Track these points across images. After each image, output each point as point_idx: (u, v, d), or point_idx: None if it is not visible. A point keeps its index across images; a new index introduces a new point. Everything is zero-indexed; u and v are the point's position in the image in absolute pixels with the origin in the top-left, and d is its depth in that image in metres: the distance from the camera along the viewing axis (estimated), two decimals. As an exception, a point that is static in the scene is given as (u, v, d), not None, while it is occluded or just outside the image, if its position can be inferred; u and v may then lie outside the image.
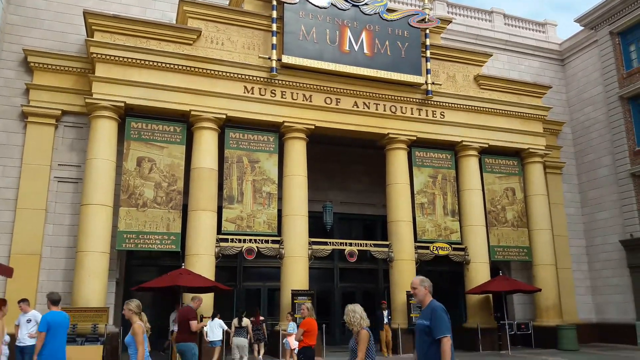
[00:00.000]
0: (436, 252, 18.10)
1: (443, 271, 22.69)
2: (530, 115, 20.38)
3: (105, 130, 15.26)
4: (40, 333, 7.32)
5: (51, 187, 15.79)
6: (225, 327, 13.63)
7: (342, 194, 21.64)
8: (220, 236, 16.08)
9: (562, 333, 18.17)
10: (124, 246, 15.05)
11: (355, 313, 5.82)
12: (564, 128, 23.28)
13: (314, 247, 17.18)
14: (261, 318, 14.92)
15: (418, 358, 5.26)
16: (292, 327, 13.16)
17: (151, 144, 15.86)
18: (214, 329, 13.43)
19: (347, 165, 21.77)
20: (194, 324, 9.43)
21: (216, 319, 13.74)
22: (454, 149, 19.47)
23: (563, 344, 17.96)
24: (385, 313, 16.38)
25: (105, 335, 13.52)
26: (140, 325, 6.79)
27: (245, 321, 13.77)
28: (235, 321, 13.86)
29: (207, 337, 13.43)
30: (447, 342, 5.02)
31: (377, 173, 21.11)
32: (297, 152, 17.10)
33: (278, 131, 17.30)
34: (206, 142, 16.07)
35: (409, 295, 17.00)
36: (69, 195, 15.97)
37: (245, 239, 16.33)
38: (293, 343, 12.01)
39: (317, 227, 19.47)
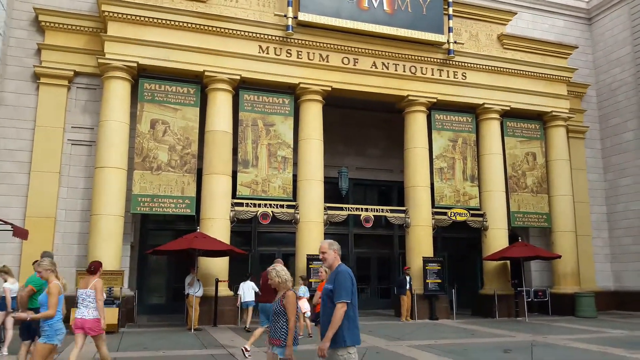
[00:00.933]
0: (454, 218, 17.76)
1: (459, 238, 22.45)
2: (554, 76, 19.61)
3: (118, 92, 14.94)
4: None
5: (65, 150, 15.60)
6: (257, 289, 13.98)
7: (358, 160, 21.26)
8: (235, 200, 15.88)
9: (580, 300, 17.90)
10: (138, 209, 14.92)
11: (284, 272, 5.57)
12: (589, 91, 22.43)
13: (330, 212, 16.93)
14: None
15: (322, 323, 4.93)
16: (302, 290, 13.15)
17: (165, 106, 15.53)
18: (246, 291, 14.18)
19: (364, 130, 21.31)
20: None
21: (248, 281, 14.40)
22: (475, 111, 18.88)
23: (581, 311, 17.71)
24: (408, 279, 16.20)
25: (120, 298, 13.51)
26: (57, 284, 6.39)
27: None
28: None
29: (240, 298, 14.17)
30: (340, 308, 4.70)
31: (394, 138, 20.63)
32: (313, 114, 16.67)
33: (294, 93, 16.83)
34: (220, 104, 15.69)
35: (425, 261, 16.80)
36: (83, 158, 15.79)
37: (260, 204, 16.11)
38: (304, 307, 12.20)
39: (332, 193, 19.20)
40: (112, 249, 14.18)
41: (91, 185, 15.01)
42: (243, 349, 9.20)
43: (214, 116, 15.61)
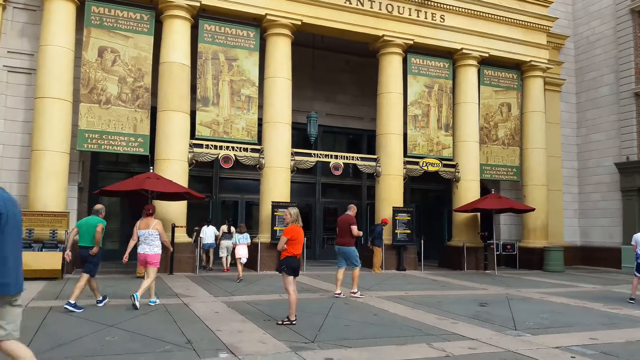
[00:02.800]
0: (426, 167, 17.01)
1: (428, 190, 22.00)
2: (534, 25, 18.71)
3: (61, 13, 13.23)
4: None
5: (0, 78, 13.88)
6: (217, 233, 15.20)
7: (328, 105, 20.15)
8: (194, 141, 14.61)
9: (549, 254, 17.68)
10: (85, 146, 13.48)
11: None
12: (567, 43, 21.75)
13: (297, 158, 15.87)
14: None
15: None
16: (238, 237, 12.93)
17: (114, 33, 13.87)
18: (208, 234, 15.02)
19: (335, 74, 20.12)
20: (355, 229, 10.10)
21: (210, 226, 15.29)
22: (452, 57, 17.89)
23: (549, 265, 17.52)
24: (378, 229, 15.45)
25: (65, 241, 12.26)
26: None
27: (232, 229, 15.03)
28: (224, 227, 15.12)
29: (201, 241, 14.83)
30: None
31: (366, 84, 19.58)
32: (281, 51, 15.31)
33: (260, 26, 15.37)
34: (177, 32, 14.15)
35: (395, 211, 16.08)
36: (22, 87, 14.10)
37: (222, 146, 14.89)
38: (239, 253, 12.81)
39: (300, 140, 18.14)
40: (55, 188, 12.81)
41: (32, 119, 13.43)
42: (335, 294, 9.84)
43: (170, 45, 14.09)
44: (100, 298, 8.40)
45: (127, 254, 8.37)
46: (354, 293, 9.87)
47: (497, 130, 18.62)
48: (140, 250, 8.52)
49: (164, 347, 5.62)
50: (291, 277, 7.19)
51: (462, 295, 10.79)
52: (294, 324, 7.01)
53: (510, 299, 10.37)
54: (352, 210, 10.53)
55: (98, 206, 8.65)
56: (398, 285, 12.19)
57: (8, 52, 13.96)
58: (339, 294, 9.87)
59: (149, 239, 8.52)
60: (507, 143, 18.77)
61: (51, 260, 11.32)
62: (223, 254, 14.97)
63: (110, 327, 6.58)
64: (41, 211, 12.28)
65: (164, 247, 8.78)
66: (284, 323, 7.04)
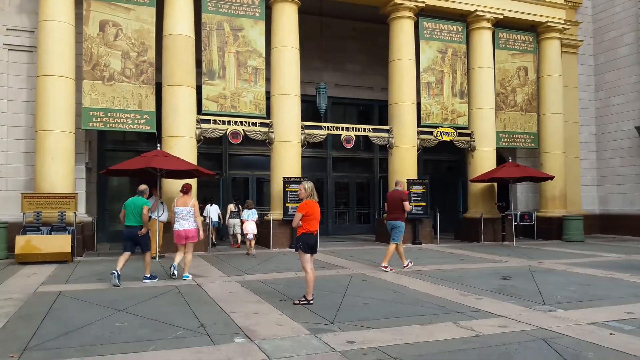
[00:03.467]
0: (440, 137, 16.49)
1: (440, 160, 21.51)
2: (551, -17, 17.88)
3: (58, -13, 12.70)
4: None
5: (1, 57, 13.49)
6: (219, 212, 15.58)
7: (336, 75, 19.59)
8: (201, 117, 14.21)
9: (568, 224, 17.23)
10: (90, 125, 13.12)
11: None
12: (584, 1, 20.82)
13: (307, 131, 15.43)
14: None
15: None
16: (247, 213, 13.16)
17: (115, 5, 13.36)
18: (212, 213, 15.03)
19: (343, 43, 19.51)
20: (407, 204, 10.05)
21: (214, 205, 15.46)
22: (465, 20, 17.16)
23: (568, 235, 17.08)
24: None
25: (75, 224, 12.04)
26: None
27: (240, 207, 15.00)
28: (231, 206, 15.12)
29: (207, 220, 14.37)
30: None
31: (375, 53, 18.99)
32: (288, 18, 14.73)
33: (264, -7, 14.78)
34: (180, 3, 13.61)
35: (409, 183, 15.66)
36: (24, 66, 13.72)
37: (230, 121, 14.48)
38: (247, 228, 13.05)
39: (309, 113, 17.64)
40: (61, 169, 12.52)
41: (35, 98, 13.07)
42: (383, 267, 9.84)
43: (173, 17, 13.60)
44: (148, 275, 8.76)
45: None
46: (385, 267, 9.84)
47: (514, 95, 17.97)
48: (179, 226, 8.93)
49: (176, 333, 5.33)
50: (308, 255, 6.85)
51: (483, 269, 10.44)
52: (312, 304, 6.71)
53: (534, 271, 10.00)
54: (401, 185, 10.62)
55: (142, 187, 9.05)
56: (415, 260, 11.83)
57: (7, 29, 13.54)
58: (385, 267, 9.87)
59: (186, 216, 8.94)
60: (525, 109, 18.14)
61: (60, 242, 11.10)
62: (230, 230, 15.15)
63: (120, 312, 6.31)
64: (48, 193, 12.02)
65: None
66: (301, 303, 6.74)
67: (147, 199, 12.15)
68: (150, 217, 12.13)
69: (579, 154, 20.18)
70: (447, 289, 7.91)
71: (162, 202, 12.28)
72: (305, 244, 6.79)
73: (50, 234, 11.34)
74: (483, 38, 17.12)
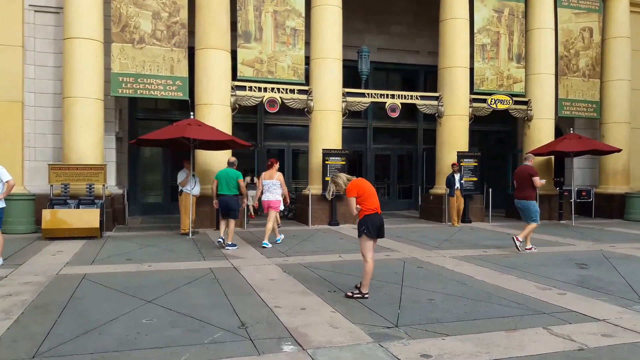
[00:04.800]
0: (495, 105, 15.10)
1: (489, 131, 19.99)
2: None
3: (83, -59, 11.74)
4: None
5: (27, 19, 12.74)
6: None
7: (380, 38, 18.24)
8: (236, 83, 13.24)
9: (631, 201, 15.76)
10: (119, 92, 12.32)
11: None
12: (657, -45, 18.67)
13: (349, 99, 14.30)
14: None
15: None
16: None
17: (144, -39, 12.36)
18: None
19: (388, 1, 18.05)
20: (537, 180, 9.40)
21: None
22: (524, -24, 15.53)
23: (631, 213, 15.63)
24: (457, 177, 13.63)
25: (103, 197, 11.37)
26: None
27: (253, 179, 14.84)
28: (247, 179, 14.40)
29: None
30: None
31: (421, 12, 17.61)
32: (330, -27, 13.47)
33: (305, -55, 13.51)
34: (214, -42, 12.51)
35: (460, 156, 14.43)
36: (51, 29, 12.95)
37: (266, 88, 13.48)
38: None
39: (349, 79, 16.41)
40: (89, 138, 11.81)
41: (62, 63, 12.32)
42: (527, 248, 9.41)
43: (207, -27, 12.50)
44: (230, 243, 9.44)
45: (255, 201, 10.39)
46: (529, 249, 9.39)
47: (577, 59, 16.32)
48: (264, 198, 9.88)
49: (213, 336, 4.46)
50: (371, 242, 5.87)
51: (550, 254, 9.28)
52: (366, 298, 5.76)
53: (609, 257, 8.80)
54: (530, 160, 9.93)
55: (232, 158, 10.07)
56: (470, 241, 10.78)
57: (32, -11, 12.75)
58: (529, 248, 9.40)
59: (272, 188, 9.84)
60: (588, 75, 16.49)
61: (89, 217, 10.44)
62: (249, 202, 14.33)
63: (149, 303, 5.50)
64: (76, 164, 11.34)
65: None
66: (355, 296, 5.79)
67: (179, 172, 11.52)
68: (181, 191, 11.45)
69: (644, 124, 18.41)
70: (519, 280, 6.85)
71: (194, 175, 11.46)
72: (371, 226, 5.76)
73: (78, 207, 10.69)
74: (544, -5, 15.46)
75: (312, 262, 8.07)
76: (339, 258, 8.49)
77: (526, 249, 9.35)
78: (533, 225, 9.33)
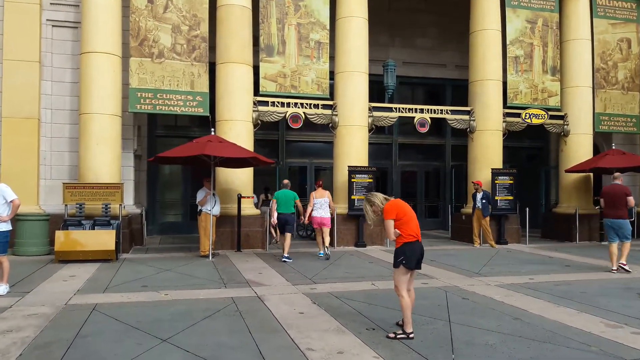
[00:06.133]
0: (529, 120, 14.31)
1: (519, 147, 19.08)
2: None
3: (102, -46, 11.41)
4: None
5: (45, 34, 12.43)
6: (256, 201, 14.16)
7: (405, 52, 17.64)
8: (259, 98, 12.71)
9: (678, 221, 14.73)
10: (138, 108, 11.87)
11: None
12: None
13: (375, 114, 13.68)
14: None
15: None
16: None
17: (164, -27, 11.98)
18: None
19: (412, 15, 17.57)
20: (631, 199, 9.33)
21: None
22: (558, -15, 14.83)
23: (679, 233, 14.60)
24: (479, 196, 12.94)
25: (120, 217, 10.82)
26: None
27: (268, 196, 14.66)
28: (262, 196, 14.65)
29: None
30: None
31: (447, 25, 17.07)
32: (356, -16, 12.94)
33: (330, -43, 13.02)
34: (236, -31, 12.07)
35: (495, 174, 13.63)
36: (69, 44, 12.62)
37: (289, 103, 12.92)
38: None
39: (373, 93, 15.76)
40: (107, 157, 11.32)
41: (79, 78, 11.93)
42: (612, 270, 9.28)
43: (229, -15, 12.05)
44: (286, 255, 10.26)
45: (306, 218, 10.86)
46: (624, 265, 9.31)
47: (616, 71, 15.48)
48: (316, 214, 10.79)
49: (238, 389, 3.77)
50: (408, 275, 5.16)
51: (605, 281, 8.42)
52: (412, 338, 5.01)
53: (675, 286, 7.91)
54: (620, 179, 9.87)
55: (286, 181, 11.07)
56: (511, 266, 9.94)
57: (51, 3, 12.45)
58: (615, 270, 9.28)
59: (324, 206, 10.83)
60: (627, 87, 15.63)
61: (104, 239, 9.88)
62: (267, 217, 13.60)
63: (165, 343, 4.84)
64: (92, 183, 10.85)
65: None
66: (398, 336, 5.05)
67: (199, 190, 10.93)
68: (200, 211, 10.86)
69: (687, 139, 17.41)
70: (582, 315, 6.03)
71: (214, 194, 10.87)
72: (412, 256, 5.07)
73: (93, 228, 10.15)
74: (579, 5, 14.74)
75: (343, 291, 7.34)
76: (372, 286, 7.76)
77: (620, 263, 9.31)
78: (629, 243, 9.37)
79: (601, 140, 16.86)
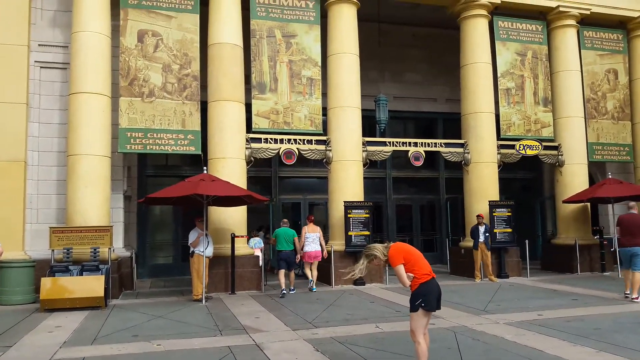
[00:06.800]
0: (524, 151, 14.24)
1: (512, 179, 18.96)
2: (640, -29, 15.58)
3: (93, -5, 11.37)
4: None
5: (32, 75, 12.23)
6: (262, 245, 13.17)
7: (395, 87, 17.69)
8: (251, 135, 12.53)
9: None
10: (128, 148, 11.61)
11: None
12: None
13: (370, 148, 13.53)
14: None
15: None
16: (254, 242, 12.60)
17: (155, 13, 11.95)
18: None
19: (402, 50, 17.67)
20: None
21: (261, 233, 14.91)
22: (545, 18, 15.04)
23: (680, 262, 14.35)
24: (482, 229, 12.76)
25: (109, 261, 10.40)
26: None
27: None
28: (260, 233, 14.77)
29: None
30: None
31: (436, 60, 17.19)
32: (346, 21, 13.00)
33: (319, -5, 13.12)
34: (226, 7, 12.07)
35: (492, 206, 13.44)
36: (57, 85, 12.42)
37: (282, 139, 12.75)
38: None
39: (365, 128, 15.65)
40: (95, 199, 10.98)
41: (67, 119, 11.69)
42: (626, 294, 9.63)
43: (219, 24, 12.05)
44: (292, 288, 11.21)
45: (298, 256, 11.28)
46: (636, 299, 9.34)
47: (605, 101, 15.59)
48: (309, 249, 11.32)
49: None
50: (427, 317, 4.85)
51: (616, 315, 8.13)
52: (427, 390, 4.66)
53: (689, 319, 7.64)
54: (636, 208, 10.03)
55: (285, 220, 11.73)
56: (517, 302, 9.62)
57: (39, 45, 12.29)
58: (628, 293, 9.59)
59: (316, 241, 11.37)
60: (617, 117, 15.71)
61: (93, 285, 9.43)
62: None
63: (159, 402, 4.43)
64: (80, 227, 10.47)
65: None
66: (413, 386, 4.71)
67: (191, 230, 10.59)
68: (192, 253, 10.49)
69: (679, 167, 17.42)
70: (602, 355, 5.72)
71: (206, 234, 10.52)
72: (432, 297, 4.75)
73: (81, 274, 9.72)
74: (567, 37, 14.92)
75: (346, 335, 6.97)
76: (377, 329, 7.39)
77: (633, 298, 9.32)
78: (639, 274, 9.35)
79: (595, 170, 16.82)
